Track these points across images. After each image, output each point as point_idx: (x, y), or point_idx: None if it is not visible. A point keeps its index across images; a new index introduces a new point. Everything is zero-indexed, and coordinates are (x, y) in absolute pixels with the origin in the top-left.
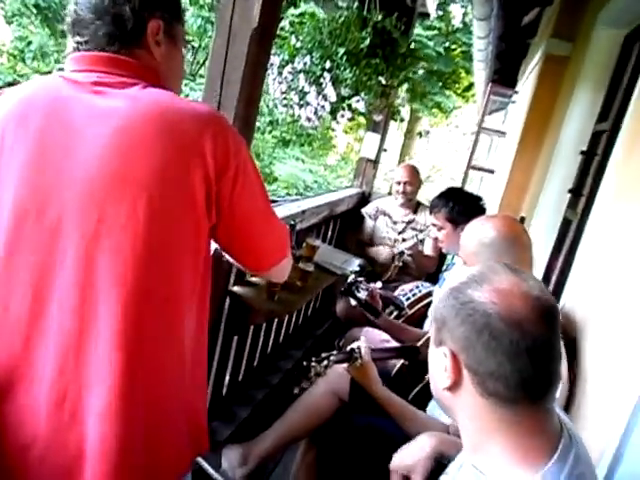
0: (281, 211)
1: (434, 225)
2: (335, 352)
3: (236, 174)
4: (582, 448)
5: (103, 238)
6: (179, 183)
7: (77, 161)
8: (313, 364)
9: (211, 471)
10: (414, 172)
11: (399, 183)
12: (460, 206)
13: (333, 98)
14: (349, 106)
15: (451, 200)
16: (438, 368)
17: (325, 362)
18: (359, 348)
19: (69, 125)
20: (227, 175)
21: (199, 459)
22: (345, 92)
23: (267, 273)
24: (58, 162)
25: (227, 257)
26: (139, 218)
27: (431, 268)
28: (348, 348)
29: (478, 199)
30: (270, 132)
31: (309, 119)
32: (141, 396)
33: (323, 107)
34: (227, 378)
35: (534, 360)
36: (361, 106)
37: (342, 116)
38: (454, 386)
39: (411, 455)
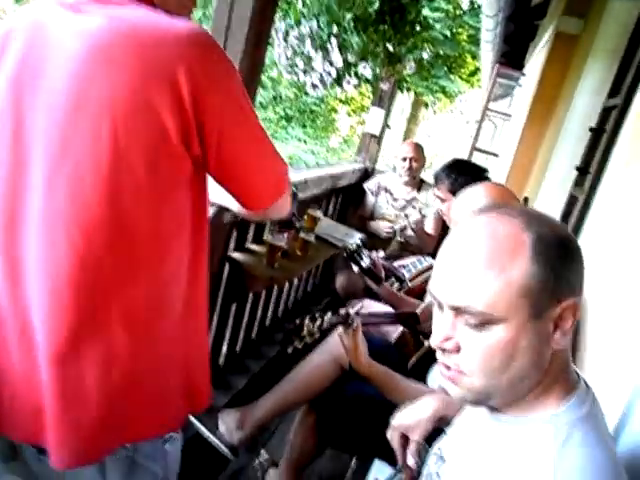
0: None
1: (437, 197)
2: (330, 314)
3: (223, 103)
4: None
5: (66, 159)
6: (145, 109)
7: (50, 79)
8: (306, 322)
9: (208, 434)
10: (420, 149)
11: (404, 159)
12: (463, 178)
13: (339, 64)
14: (355, 73)
15: (454, 172)
16: (540, 338)
17: (319, 321)
18: (353, 313)
19: (47, 43)
20: (209, 104)
21: (196, 423)
22: (352, 58)
23: (265, 212)
24: (35, 79)
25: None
26: (103, 142)
27: (430, 247)
28: (343, 311)
29: (483, 171)
30: (273, 108)
31: (314, 86)
32: (104, 338)
33: (329, 73)
34: (224, 348)
35: None
36: (368, 73)
37: (348, 82)
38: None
39: (412, 415)
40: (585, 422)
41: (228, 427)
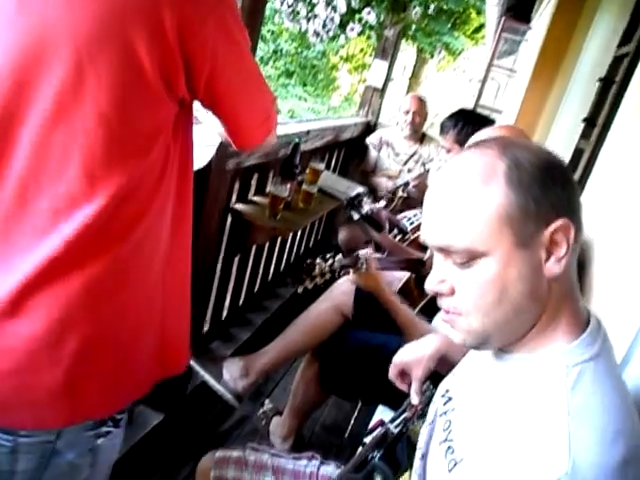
0: (285, 129)
1: (443, 147)
2: (340, 255)
3: (215, 36)
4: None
5: (34, 93)
6: (118, 44)
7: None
8: (318, 261)
9: (213, 382)
10: (422, 102)
11: (407, 112)
12: (470, 127)
13: (343, 9)
14: (359, 19)
15: (461, 121)
16: (531, 267)
17: (330, 261)
18: (365, 255)
19: None
20: (199, 37)
21: (201, 371)
22: (356, 4)
23: (255, 147)
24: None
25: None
26: (65, 76)
27: None
28: (355, 253)
29: (490, 121)
30: (274, 63)
31: (317, 34)
32: (60, 295)
33: (332, 20)
34: (227, 301)
35: None
36: (372, 19)
37: (352, 29)
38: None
39: (414, 352)
40: (597, 360)
41: (232, 375)
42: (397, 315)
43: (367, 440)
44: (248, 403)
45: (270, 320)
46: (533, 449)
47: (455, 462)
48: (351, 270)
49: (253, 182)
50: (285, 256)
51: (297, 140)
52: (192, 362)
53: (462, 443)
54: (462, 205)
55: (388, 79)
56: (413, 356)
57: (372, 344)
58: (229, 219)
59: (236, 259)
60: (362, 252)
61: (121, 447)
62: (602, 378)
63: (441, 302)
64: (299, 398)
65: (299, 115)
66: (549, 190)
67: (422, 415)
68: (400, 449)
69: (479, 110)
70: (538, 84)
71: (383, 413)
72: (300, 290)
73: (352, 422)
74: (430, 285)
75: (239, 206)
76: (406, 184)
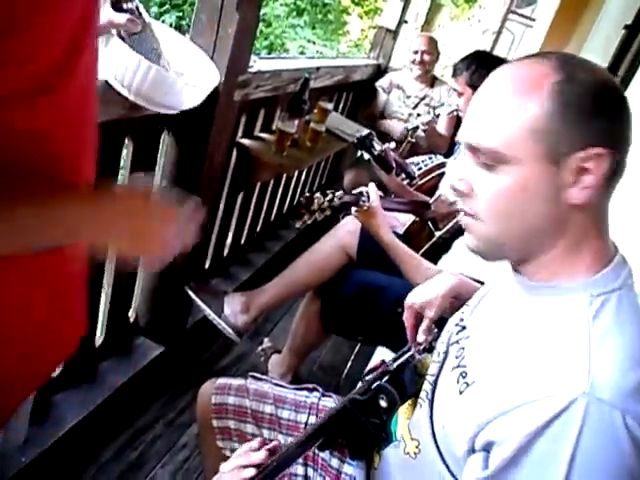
0: (295, 63)
1: (454, 90)
2: (342, 192)
3: None
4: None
5: None
6: None
7: None
8: (317, 195)
9: (214, 316)
10: (432, 41)
11: (416, 52)
12: (484, 70)
13: None
14: None
15: (474, 63)
16: (553, 187)
17: (330, 196)
18: (367, 192)
19: None
20: None
21: (202, 305)
22: None
23: None
24: None
25: None
26: None
27: (443, 148)
28: (356, 191)
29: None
30: None
31: None
32: None
33: None
34: (229, 239)
35: None
36: None
37: None
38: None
39: (426, 292)
40: (620, 292)
41: (233, 310)
42: (397, 255)
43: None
44: (247, 341)
45: (271, 261)
46: (553, 369)
47: (467, 384)
48: (352, 207)
49: (260, 117)
50: (289, 198)
51: (307, 75)
52: (193, 296)
53: (476, 367)
54: (500, 107)
55: (402, 21)
56: (426, 297)
57: (375, 284)
58: (234, 154)
59: (240, 196)
60: (364, 189)
61: (122, 376)
62: (625, 309)
63: (460, 203)
64: (299, 336)
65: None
66: (595, 117)
67: (429, 349)
68: (407, 376)
69: None
70: (557, 34)
71: (382, 355)
72: (299, 225)
73: (350, 363)
74: (452, 182)
75: (245, 141)
76: (415, 129)
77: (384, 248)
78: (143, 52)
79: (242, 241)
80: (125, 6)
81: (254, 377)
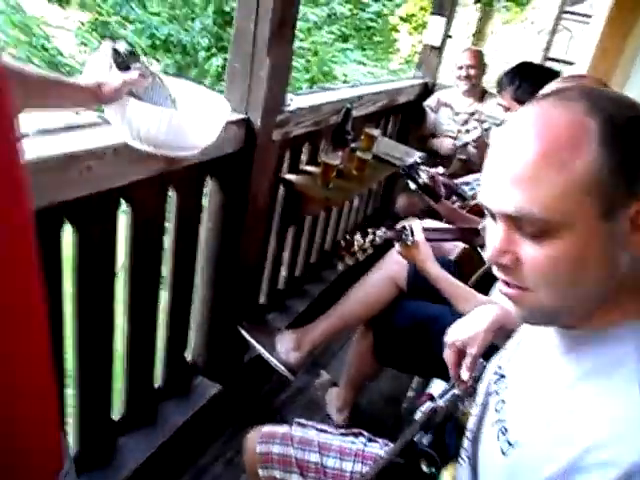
0: (336, 94)
1: (501, 105)
2: (383, 229)
3: None
4: None
5: None
6: None
7: None
8: (357, 237)
9: (268, 355)
10: (478, 55)
11: (461, 67)
12: (528, 83)
13: None
14: None
15: (518, 76)
16: (614, 241)
17: (371, 237)
18: (410, 226)
19: None
20: None
21: (256, 344)
22: None
23: None
24: None
25: None
26: None
27: None
28: (398, 226)
29: (552, 74)
30: (328, 26)
31: None
32: None
33: None
34: (283, 272)
35: None
36: None
37: None
38: None
39: (468, 328)
40: None
41: (286, 348)
42: (444, 288)
43: (416, 416)
44: (305, 374)
45: (328, 291)
46: (606, 430)
47: (509, 443)
48: (396, 243)
49: (305, 151)
50: (342, 224)
51: (348, 106)
52: (246, 335)
53: (517, 423)
54: (543, 169)
55: (446, 36)
56: (468, 333)
57: (426, 316)
58: (281, 190)
59: (291, 229)
60: (407, 223)
61: (182, 416)
62: None
63: (502, 275)
64: (354, 370)
65: (353, 80)
66: None
67: (472, 393)
68: (449, 431)
69: (548, 64)
70: (614, 27)
71: (440, 385)
72: (341, 267)
73: (409, 393)
74: (490, 257)
75: (290, 176)
76: (464, 145)
77: (431, 282)
78: (161, 102)
79: (297, 273)
80: (133, 66)
81: (299, 423)
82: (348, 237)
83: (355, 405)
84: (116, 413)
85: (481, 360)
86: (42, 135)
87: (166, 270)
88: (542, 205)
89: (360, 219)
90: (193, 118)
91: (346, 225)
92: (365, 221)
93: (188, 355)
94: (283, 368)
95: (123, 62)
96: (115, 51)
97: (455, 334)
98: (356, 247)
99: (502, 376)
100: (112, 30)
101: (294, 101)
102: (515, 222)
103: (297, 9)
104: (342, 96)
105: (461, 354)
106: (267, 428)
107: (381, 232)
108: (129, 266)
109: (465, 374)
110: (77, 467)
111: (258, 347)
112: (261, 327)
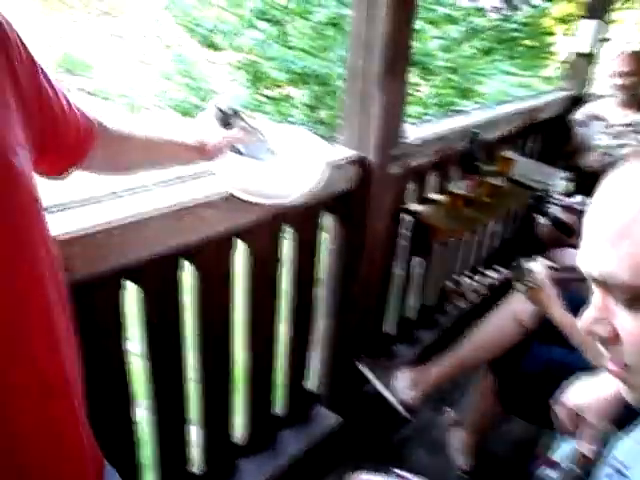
0: (465, 120)
1: None
2: (492, 271)
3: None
4: None
5: None
6: None
7: None
8: (464, 280)
9: (386, 393)
10: (635, 59)
11: (614, 75)
12: None
13: None
14: None
15: None
16: None
17: (478, 277)
18: (533, 269)
19: None
20: None
21: (375, 381)
22: None
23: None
24: None
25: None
26: None
27: None
28: (520, 267)
29: None
30: (469, 41)
31: (496, 8)
32: None
33: None
34: (412, 302)
35: None
36: None
37: None
38: None
39: (588, 392)
40: None
41: (402, 385)
42: (571, 335)
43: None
44: (429, 410)
45: (460, 320)
46: None
47: None
48: (517, 284)
49: (432, 179)
50: (475, 249)
51: (476, 132)
52: (364, 370)
53: None
54: (635, 230)
55: (598, 40)
56: (587, 398)
57: (562, 363)
58: (406, 220)
59: (420, 259)
60: (529, 264)
61: (300, 445)
62: None
63: (604, 349)
64: (477, 413)
65: (506, 93)
66: None
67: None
68: None
69: None
70: None
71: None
72: (449, 309)
73: (541, 440)
74: (584, 324)
75: (415, 206)
76: (614, 162)
77: (557, 327)
78: (261, 155)
79: (427, 302)
80: (235, 123)
81: (398, 475)
82: (455, 279)
83: (481, 449)
84: (237, 437)
85: (614, 427)
86: (158, 187)
87: (284, 301)
88: (630, 270)
89: (499, 243)
90: (290, 169)
91: (479, 250)
92: (505, 245)
93: (307, 384)
94: (400, 407)
95: (225, 119)
96: (219, 110)
97: (572, 396)
98: (464, 288)
99: (619, 472)
100: (255, 67)
101: (414, 132)
102: (606, 288)
103: (410, 44)
104: (472, 121)
105: (577, 420)
106: (365, 476)
107: (491, 274)
108: (248, 302)
109: (585, 448)
110: None
111: (375, 382)
112: (380, 361)
